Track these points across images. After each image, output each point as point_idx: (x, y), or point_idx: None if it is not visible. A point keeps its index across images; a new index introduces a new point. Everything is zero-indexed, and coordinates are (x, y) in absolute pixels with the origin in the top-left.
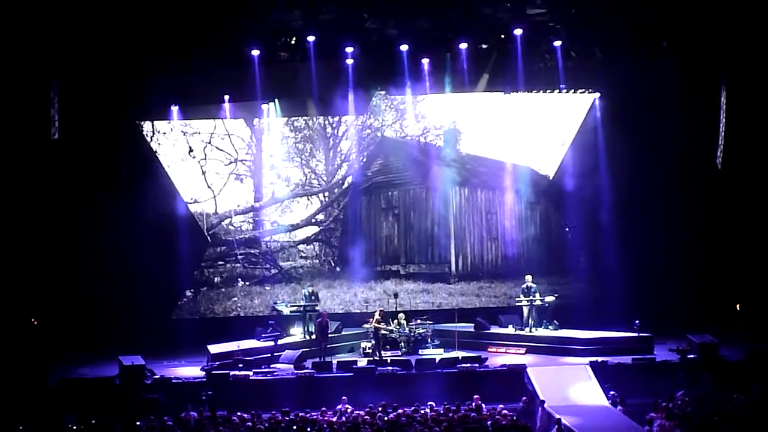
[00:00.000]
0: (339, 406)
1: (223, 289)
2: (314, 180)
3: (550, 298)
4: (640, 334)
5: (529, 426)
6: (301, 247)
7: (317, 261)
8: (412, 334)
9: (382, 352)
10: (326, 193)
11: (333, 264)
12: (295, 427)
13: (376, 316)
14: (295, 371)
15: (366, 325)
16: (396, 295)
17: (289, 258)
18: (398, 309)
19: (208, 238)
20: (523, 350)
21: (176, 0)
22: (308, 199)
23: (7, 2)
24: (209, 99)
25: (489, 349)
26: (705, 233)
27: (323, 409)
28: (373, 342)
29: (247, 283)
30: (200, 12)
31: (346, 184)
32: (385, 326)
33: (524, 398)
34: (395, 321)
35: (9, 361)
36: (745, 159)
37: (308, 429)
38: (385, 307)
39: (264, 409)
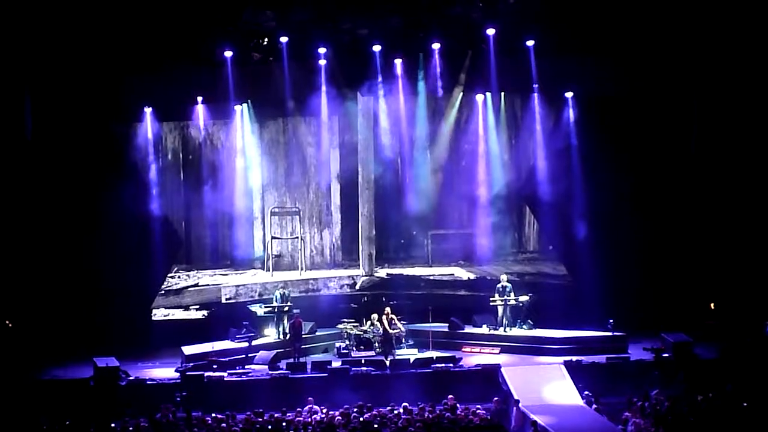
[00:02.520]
0: (307, 407)
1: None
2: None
3: (524, 298)
4: (615, 333)
5: (503, 426)
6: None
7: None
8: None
9: (359, 353)
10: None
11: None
12: (270, 427)
13: (384, 317)
14: (270, 372)
15: (375, 324)
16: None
17: None
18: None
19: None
20: (497, 350)
21: (149, 2)
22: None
23: None
24: (182, 101)
25: (463, 349)
26: (679, 232)
27: (298, 409)
28: (383, 341)
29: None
30: (173, 14)
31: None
32: (395, 324)
33: (496, 398)
34: (369, 321)
35: None
36: (720, 157)
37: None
38: (357, 305)
39: (239, 410)
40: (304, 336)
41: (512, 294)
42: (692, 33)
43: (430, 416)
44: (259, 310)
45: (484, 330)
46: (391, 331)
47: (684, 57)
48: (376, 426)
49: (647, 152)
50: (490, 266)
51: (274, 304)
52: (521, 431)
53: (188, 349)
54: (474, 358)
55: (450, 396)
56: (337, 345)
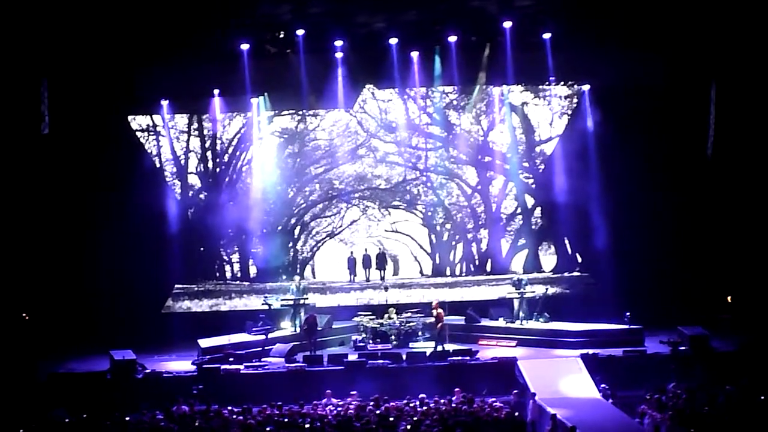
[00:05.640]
0: (324, 400)
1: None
2: None
3: (540, 291)
4: (631, 327)
5: (521, 420)
6: None
7: None
8: (403, 327)
9: (375, 346)
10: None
11: None
12: (286, 420)
13: (438, 310)
14: (286, 365)
15: (429, 319)
16: (386, 288)
17: None
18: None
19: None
20: (514, 343)
21: None
22: None
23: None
24: (199, 93)
25: (480, 342)
26: (696, 226)
27: (314, 402)
28: (437, 335)
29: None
30: (189, 6)
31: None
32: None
33: (515, 391)
34: (386, 314)
35: (0, 355)
36: (736, 151)
37: (299, 422)
38: (375, 298)
39: (255, 403)
40: (319, 329)
41: (528, 287)
42: (711, 22)
43: (447, 409)
44: (276, 302)
45: (501, 323)
46: (438, 325)
47: (702, 47)
48: (392, 419)
49: (664, 146)
50: None
51: (291, 296)
52: (537, 423)
53: (205, 342)
54: (490, 351)
55: (456, 389)
56: (354, 338)
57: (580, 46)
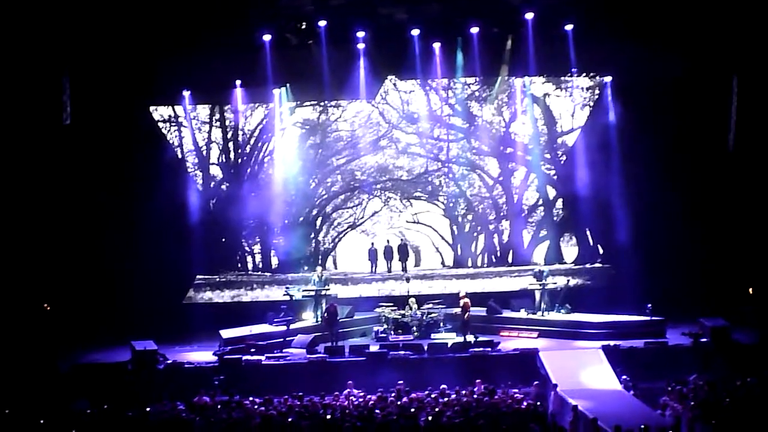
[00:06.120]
0: (345, 391)
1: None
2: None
3: (562, 282)
4: (653, 318)
5: (542, 411)
6: None
7: None
8: (424, 318)
9: (397, 337)
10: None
11: None
12: (307, 414)
13: (465, 300)
14: (308, 356)
15: (456, 310)
16: (408, 279)
17: None
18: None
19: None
20: (535, 334)
21: None
22: None
23: None
24: (221, 84)
25: (501, 333)
26: (718, 217)
27: (336, 393)
28: (462, 324)
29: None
30: None
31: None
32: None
33: (536, 382)
34: (407, 305)
35: (22, 346)
36: (757, 143)
37: (321, 413)
38: (396, 289)
39: (277, 394)
40: (341, 320)
41: (549, 278)
42: (732, 14)
43: (469, 400)
44: (297, 293)
45: (522, 314)
46: (465, 315)
47: (724, 39)
48: (413, 410)
49: (685, 138)
50: None
51: (312, 287)
52: (559, 415)
53: (226, 333)
54: (512, 342)
55: (478, 380)
56: (375, 329)
57: (602, 38)
